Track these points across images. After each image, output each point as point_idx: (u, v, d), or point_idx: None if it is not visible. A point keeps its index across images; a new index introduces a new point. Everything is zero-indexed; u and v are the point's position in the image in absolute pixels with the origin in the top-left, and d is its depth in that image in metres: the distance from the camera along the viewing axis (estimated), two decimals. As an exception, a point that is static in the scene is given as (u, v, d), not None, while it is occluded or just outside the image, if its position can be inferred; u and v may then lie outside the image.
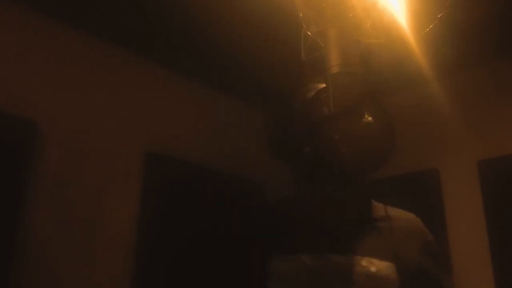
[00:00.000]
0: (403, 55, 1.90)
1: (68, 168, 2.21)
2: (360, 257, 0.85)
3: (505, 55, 2.62)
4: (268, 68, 2.71)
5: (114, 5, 2.18)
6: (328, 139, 0.88)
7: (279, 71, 2.62)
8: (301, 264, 0.83)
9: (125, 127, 2.51)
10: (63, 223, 2.13)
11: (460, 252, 2.59)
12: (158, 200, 2.49)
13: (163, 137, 2.67)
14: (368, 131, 0.89)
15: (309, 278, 0.82)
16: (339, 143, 0.88)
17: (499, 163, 2.54)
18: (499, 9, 2.21)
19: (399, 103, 2.62)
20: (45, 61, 2.24)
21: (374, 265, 0.85)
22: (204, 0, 2.13)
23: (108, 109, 2.45)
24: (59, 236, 2.11)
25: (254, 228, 0.96)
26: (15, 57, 2.14)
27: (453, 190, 2.72)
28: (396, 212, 0.99)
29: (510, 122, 2.60)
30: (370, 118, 0.90)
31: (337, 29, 0.96)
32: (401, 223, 0.96)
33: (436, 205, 2.71)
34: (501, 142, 2.59)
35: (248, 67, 2.70)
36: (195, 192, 2.65)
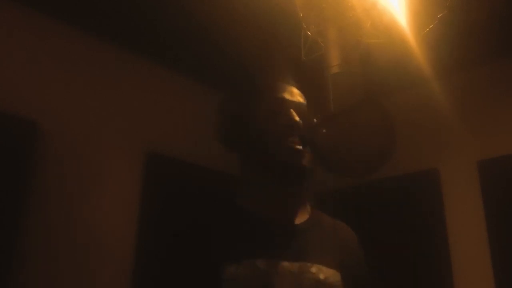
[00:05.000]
0: (403, 55, 1.90)
1: (68, 168, 2.21)
2: (310, 264, 0.88)
3: (505, 55, 2.62)
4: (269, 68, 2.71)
5: (114, 5, 2.18)
6: (328, 139, 0.88)
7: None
8: (255, 269, 0.84)
9: (125, 127, 2.51)
10: (63, 223, 2.13)
11: (460, 252, 2.59)
12: (158, 200, 2.49)
13: (163, 137, 2.67)
14: (368, 131, 0.89)
15: (261, 282, 0.83)
16: (339, 143, 0.87)
17: (499, 163, 2.54)
18: (500, 9, 2.20)
19: (399, 103, 2.62)
20: (45, 61, 2.24)
21: (323, 272, 0.88)
22: (205, 0, 2.13)
23: (108, 109, 2.45)
24: (58, 236, 2.11)
25: (210, 229, 0.96)
26: (16, 57, 2.14)
27: (453, 190, 2.71)
28: (337, 222, 1.04)
29: (510, 122, 2.60)
30: (370, 118, 0.90)
31: (337, 29, 0.96)
32: (343, 233, 1.02)
33: (436, 205, 2.71)
34: (501, 142, 2.59)
35: (249, 67, 2.70)
36: (196, 192, 2.65)
